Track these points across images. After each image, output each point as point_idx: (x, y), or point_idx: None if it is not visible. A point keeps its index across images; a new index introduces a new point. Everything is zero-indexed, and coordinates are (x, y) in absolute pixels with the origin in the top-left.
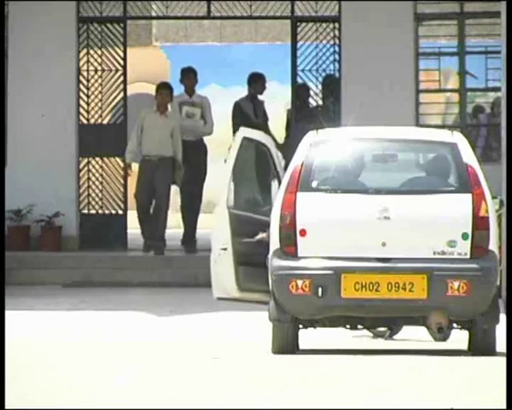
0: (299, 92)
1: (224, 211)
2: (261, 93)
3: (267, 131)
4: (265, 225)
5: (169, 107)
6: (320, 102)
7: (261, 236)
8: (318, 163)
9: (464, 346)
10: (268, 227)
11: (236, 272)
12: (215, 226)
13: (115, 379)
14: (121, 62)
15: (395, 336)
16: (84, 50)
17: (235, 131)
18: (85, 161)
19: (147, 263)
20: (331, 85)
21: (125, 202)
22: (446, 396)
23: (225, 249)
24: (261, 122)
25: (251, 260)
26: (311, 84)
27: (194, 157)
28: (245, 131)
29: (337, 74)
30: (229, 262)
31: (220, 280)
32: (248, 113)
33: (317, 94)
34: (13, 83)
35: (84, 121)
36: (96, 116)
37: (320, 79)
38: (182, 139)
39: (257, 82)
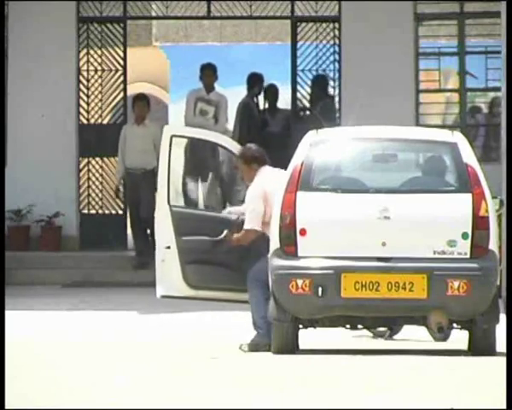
0: (268, 93)
1: (165, 210)
2: (259, 94)
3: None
4: (218, 222)
5: (147, 118)
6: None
7: (225, 234)
8: (318, 163)
9: (464, 346)
10: (223, 223)
11: (184, 270)
12: (158, 225)
13: (115, 379)
14: (121, 62)
15: (395, 336)
16: (84, 50)
17: (242, 129)
18: (85, 161)
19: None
20: (322, 85)
21: (125, 202)
22: (446, 396)
23: (169, 248)
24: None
25: (203, 258)
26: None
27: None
28: (173, 129)
29: (337, 74)
30: (176, 261)
31: (167, 279)
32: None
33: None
34: (13, 83)
35: (84, 121)
36: (96, 116)
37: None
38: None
39: (257, 84)
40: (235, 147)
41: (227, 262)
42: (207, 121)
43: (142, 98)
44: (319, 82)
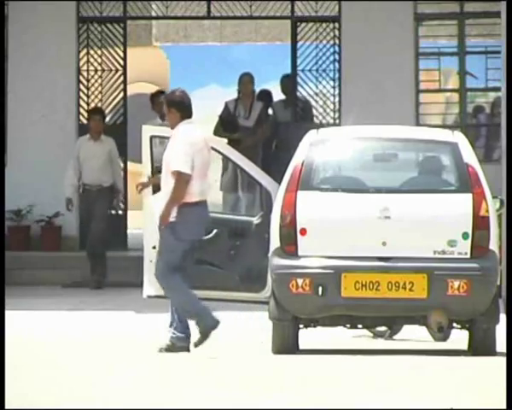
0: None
1: (150, 211)
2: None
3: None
4: (213, 222)
5: (102, 132)
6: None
7: (215, 232)
8: (319, 162)
9: (464, 346)
10: (217, 223)
11: None
12: (145, 226)
13: (115, 379)
14: (121, 62)
15: (395, 336)
16: (84, 50)
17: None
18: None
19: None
20: (288, 85)
21: (125, 202)
22: (446, 396)
23: (155, 248)
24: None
25: (190, 258)
26: (311, 84)
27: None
28: (149, 130)
29: (337, 74)
30: None
31: (153, 278)
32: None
33: (317, 94)
34: (13, 83)
35: (84, 121)
36: None
37: (320, 78)
38: None
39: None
40: (227, 149)
41: (215, 261)
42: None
43: (97, 112)
44: (286, 83)
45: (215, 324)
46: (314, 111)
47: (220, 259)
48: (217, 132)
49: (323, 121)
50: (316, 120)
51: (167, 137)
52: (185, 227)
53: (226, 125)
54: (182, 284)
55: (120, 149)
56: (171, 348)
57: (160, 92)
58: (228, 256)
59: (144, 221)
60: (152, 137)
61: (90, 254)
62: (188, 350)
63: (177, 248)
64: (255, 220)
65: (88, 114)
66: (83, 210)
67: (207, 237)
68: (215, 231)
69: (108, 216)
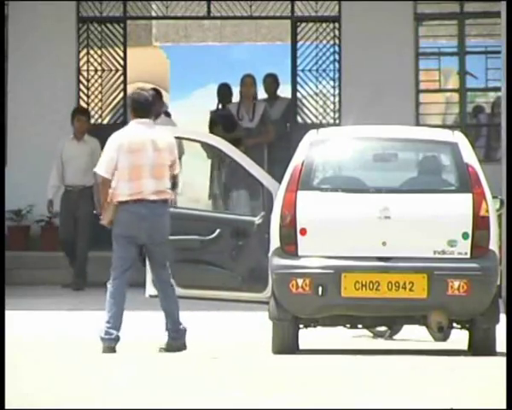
0: (222, 93)
1: None
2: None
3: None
4: (216, 221)
5: (86, 133)
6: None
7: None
8: (319, 162)
9: (464, 346)
10: (219, 223)
11: (173, 269)
12: None
13: (115, 379)
14: (121, 62)
15: (395, 336)
16: (84, 50)
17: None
18: None
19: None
20: (272, 85)
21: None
22: (446, 396)
23: None
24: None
25: (191, 257)
26: (311, 84)
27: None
28: (175, 131)
29: (337, 74)
30: None
31: None
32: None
33: (317, 94)
34: (13, 83)
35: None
36: (96, 116)
37: (320, 78)
38: None
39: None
40: (229, 149)
41: (217, 261)
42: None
43: (83, 112)
44: (269, 82)
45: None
46: (314, 111)
47: (222, 259)
48: (212, 130)
49: (323, 121)
50: (316, 120)
51: (192, 139)
52: (117, 225)
53: (227, 125)
54: (114, 289)
55: None
56: (169, 348)
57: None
58: (230, 256)
59: None
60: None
61: (78, 255)
62: (185, 346)
63: (116, 246)
64: (256, 220)
65: (72, 113)
66: (64, 211)
67: (210, 237)
68: (218, 230)
69: (91, 216)
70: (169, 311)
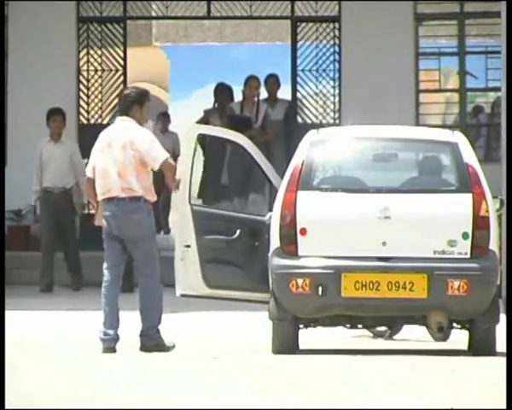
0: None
1: (186, 208)
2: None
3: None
4: (237, 221)
5: (63, 134)
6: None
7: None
8: (319, 162)
9: (464, 346)
10: (240, 223)
11: (203, 269)
12: (178, 224)
13: (115, 379)
14: (121, 62)
15: (395, 336)
16: (84, 50)
17: None
18: (85, 160)
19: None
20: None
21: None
22: (446, 396)
23: (189, 247)
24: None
25: (220, 257)
26: (311, 84)
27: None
28: (200, 128)
29: (337, 74)
30: (195, 260)
31: (186, 277)
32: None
33: (317, 94)
34: (13, 83)
35: (84, 121)
36: (96, 116)
37: (320, 78)
38: None
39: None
40: (253, 149)
41: (243, 261)
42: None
43: (58, 113)
44: (271, 82)
45: (104, 341)
46: (314, 111)
47: (241, 259)
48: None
49: (323, 121)
50: (316, 120)
51: (218, 137)
52: (103, 224)
53: (239, 123)
54: (104, 288)
55: None
56: (142, 348)
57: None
58: (247, 256)
59: (178, 220)
60: (199, 136)
61: (48, 256)
62: (158, 348)
63: (105, 244)
64: (267, 220)
65: (48, 114)
66: (45, 213)
67: (232, 237)
68: (238, 231)
69: (75, 218)
70: (141, 307)
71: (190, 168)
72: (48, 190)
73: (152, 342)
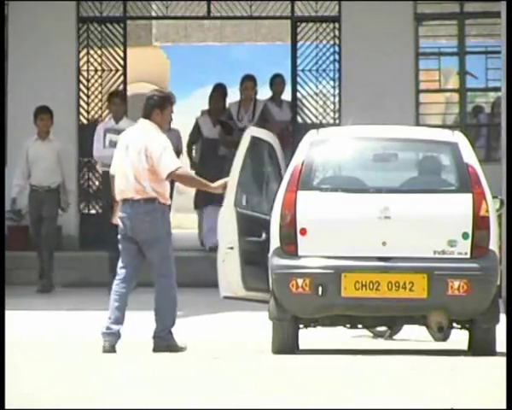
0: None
1: (231, 210)
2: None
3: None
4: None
5: (50, 132)
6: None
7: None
8: (319, 162)
9: (464, 346)
10: (262, 225)
11: (243, 271)
12: (222, 226)
13: (115, 379)
14: (121, 62)
15: (395, 336)
16: (84, 50)
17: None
18: (85, 160)
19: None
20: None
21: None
22: (446, 396)
23: (232, 249)
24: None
25: (256, 260)
26: (311, 84)
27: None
28: (253, 130)
29: (337, 74)
30: (236, 261)
31: (227, 279)
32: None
33: (317, 94)
34: (13, 83)
35: (84, 121)
36: (96, 116)
37: (320, 78)
38: None
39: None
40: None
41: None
42: None
43: (45, 111)
44: (278, 82)
45: (105, 335)
46: (314, 111)
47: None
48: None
49: (323, 121)
50: (316, 120)
51: (266, 142)
52: (119, 224)
53: (228, 127)
54: (115, 285)
55: None
56: (155, 349)
57: (118, 93)
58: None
59: (222, 222)
60: (252, 138)
61: (41, 255)
62: (171, 349)
63: (120, 245)
64: None
65: (35, 113)
66: (32, 211)
67: (262, 239)
68: (264, 233)
69: (57, 217)
70: (156, 308)
71: (239, 172)
72: (34, 189)
73: (164, 343)
